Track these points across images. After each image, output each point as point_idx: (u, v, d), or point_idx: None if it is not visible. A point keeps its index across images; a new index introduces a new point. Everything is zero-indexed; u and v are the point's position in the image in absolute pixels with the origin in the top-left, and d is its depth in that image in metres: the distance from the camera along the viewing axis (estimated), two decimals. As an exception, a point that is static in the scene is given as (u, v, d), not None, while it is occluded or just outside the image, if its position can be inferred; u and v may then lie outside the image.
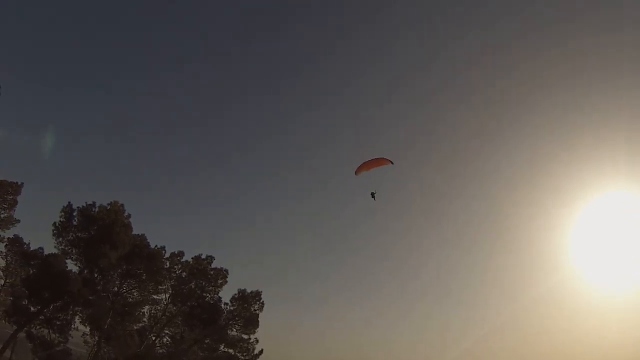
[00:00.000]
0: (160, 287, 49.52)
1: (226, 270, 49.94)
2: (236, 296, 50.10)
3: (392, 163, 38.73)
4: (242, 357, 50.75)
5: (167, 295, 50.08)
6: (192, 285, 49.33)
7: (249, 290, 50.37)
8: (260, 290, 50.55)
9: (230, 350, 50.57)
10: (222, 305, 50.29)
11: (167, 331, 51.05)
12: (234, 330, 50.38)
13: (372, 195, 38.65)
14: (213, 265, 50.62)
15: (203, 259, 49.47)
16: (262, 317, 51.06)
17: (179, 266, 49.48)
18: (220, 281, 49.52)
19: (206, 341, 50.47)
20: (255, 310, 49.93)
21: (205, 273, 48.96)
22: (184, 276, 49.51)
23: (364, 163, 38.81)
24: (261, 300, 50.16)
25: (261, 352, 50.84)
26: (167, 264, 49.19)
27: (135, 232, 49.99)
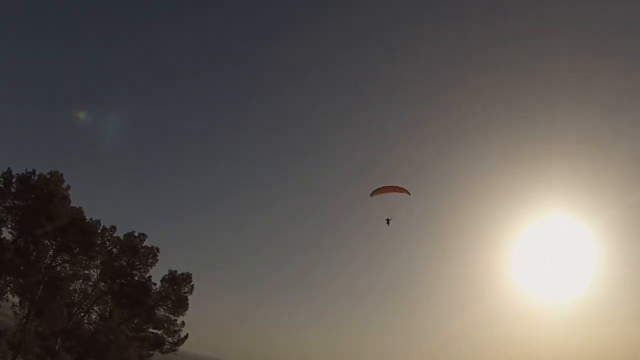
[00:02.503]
0: (92, 262, 49.32)
1: (157, 249, 51.40)
2: (167, 277, 51.40)
3: (409, 194, 42.93)
4: (169, 339, 51.02)
5: (98, 271, 50.00)
6: (123, 262, 49.52)
7: (179, 272, 50.61)
8: (190, 272, 50.88)
9: (158, 332, 50.92)
10: (152, 285, 50.05)
11: (96, 308, 51.68)
12: (163, 311, 50.40)
13: (387, 221, 42.38)
14: (145, 244, 50.19)
15: (135, 236, 50.54)
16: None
17: (111, 241, 49.42)
18: (150, 260, 50.86)
19: (135, 321, 50.55)
20: (185, 292, 51.21)
21: (136, 251, 50.22)
22: (114, 252, 49.47)
23: (382, 187, 42.68)
24: (191, 283, 51.67)
25: (186, 336, 51.34)
26: (100, 238, 49.07)
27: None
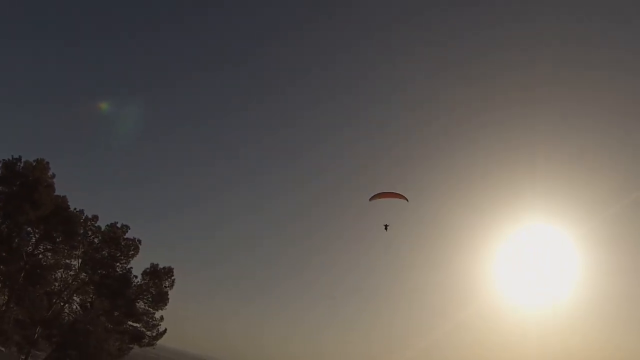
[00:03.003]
0: (74, 252, 49.23)
1: (139, 241, 51.71)
2: (148, 270, 51.14)
3: (407, 200, 43.91)
4: (148, 333, 50.77)
5: (80, 261, 49.92)
6: (105, 253, 49.31)
7: (161, 266, 50.35)
8: (172, 266, 50.58)
9: (137, 325, 50.69)
10: (133, 278, 49.84)
11: (76, 298, 51.23)
12: (142, 304, 50.17)
13: (385, 227, 43.53)
14: (127, 236, 50.07)
15: (118, 227, 50.23)
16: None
17: (93, 232, 49.31)
18: (132, 252, 50.81)
19: (115, 313, 50.35)
20: (166, 287, 51.00)
21: (118, 242, 49.81)
22: (96, 242, 49.31)
23: (381, 192, 43.72)
24: (172, 277, 51.55)
25: (165, 330, 51.05)
26: (82, 228, 48.99)
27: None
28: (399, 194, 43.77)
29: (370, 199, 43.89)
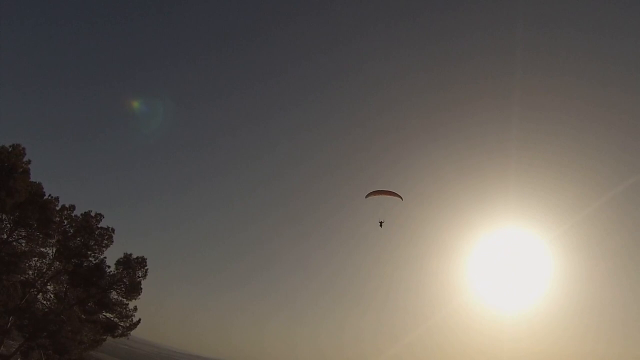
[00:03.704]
0: (49, 240, 49.09)
1: (113, 230, 51.53)
2: (121, 260, 50.99)
3: (401, 199, 45.45)
4: (121, 324, 50.94)
5: (54, 250, 49.81)
6: (78, 241, 49.22)
7: (134, 256, 50.33)
8: (145, 257, 50.73)
9: (110, 315, 50.72)
10: (106, 268, 49.85)
11: (50, 287, 51.09)
12: (116, 294, 50.27)
13: (380, 224, 45.23)
14: (101, 225, 50.14)
15: (92, 216, 50.17)
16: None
17: (68, 220, 49.25)
18: (105, 241, 50.76)
19: (88, 303, 50.38)
20: (139, 277, 51.03)
21: (92, 231, 49.70)
22: (71, 231, 49.29)
23: (377, 190, 45.50)
24: (146, 268, 51.60)
25: (139, 321, 51.21)
26: (58, 216, 48.83)
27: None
28: (394, 193, 45.39)
29: (367, 196, 45.75)
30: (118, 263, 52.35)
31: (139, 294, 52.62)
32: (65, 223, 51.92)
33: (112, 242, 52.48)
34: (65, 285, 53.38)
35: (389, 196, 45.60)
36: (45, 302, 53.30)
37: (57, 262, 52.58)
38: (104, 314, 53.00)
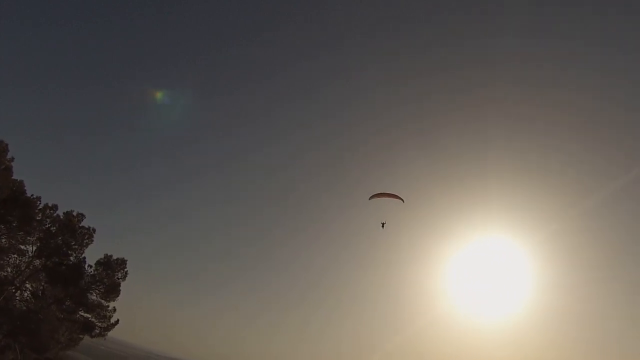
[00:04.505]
0: (29, 237, 49.33)
1: (94, 230, 51.99)
2: (101, 260, 51.64)
3: (403, 201, 47.29)
4: (99, 324, 51.10)
5: (34, 248, 50.11)
6: (59, 240, 49.43)
7: (115, 257, 50.65)
8: (125, 258, 51.04)
9: (88, 315, 50.91)
10: (86, 267, 50.15)
11: (28, 285, 51.13)
12: (95, 295, 50.51)
13: (382, 225, 46.90)
14: (82, 224, 50.41)
15: (74, 216, 50.44)
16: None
17: (50, 219, 49.47)
18: (86, 241, 51.16)
19: (66, 302, 50.51)
20: (119, 278, 51.31)
21: (73, 230, 49.88)
22: (53, 230, 49.52)
23: (380, 193, 47.04)
24: (125, 269, 52.01)
25: (117, 322, 51.39)
26: (40, 215, 49.05)
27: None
28: (396, 195, 47.02)
29: (370, 198, 47.43)
30: (98, 263, 52.78)
31: (118, 295, 53.11)
32: (47, 222, 52.13)
33: (93, 241, 52.95)
34: (43, 283, 53.46)
35: (391, 198, 47.12)
36: (22, 301, 53.33)
37: (37, 260, 52.70)
38: (82, 313, 53.17)
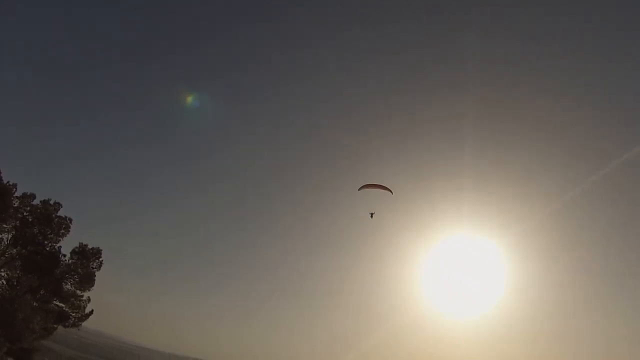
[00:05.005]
0: (4, 225, 49.45)
1: (70, 220, 52.31)
2: (76, 250, 51.67)
3: (391, 192, 49.00)
4: (73, 314, 51.39)
5: (9, 236, 50.15)
6: (36, 230, 49.60)
7: (90, 246, 50.94)
8: (100, 248, 51.37)
9: (62, 305, 51.18)
10: (61, 257, 50.33)
11: (3, 273, 51.25)
12: (69, 284, 50.78)
13: (371, 215, 48.37)
14: (59, 214, 50.64)
15: (51, 205, 50.45)
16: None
17: (28, 208, 49.59)
18: (62, 231, 51.59)
19: (41, 291, 50.69)
20: (94, 268, 51.76)
21: (50, 219, 50.22)
22: (30, 219, 49.70)
23: (369, 184, 48.76)
24: (100, 259, 52.43)
25: (91, 312, 51.73)
26: (17, 203, 49.24)
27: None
28: (384, 187, 48.59)
29: (360, 189, 48.71)
30: (73, 252, 52.89)
31: (93, 285, 53.39)
32: (25, 210, 52.17)
33: (69, 231, 53.11)
34: (18, 272, 53.45)
35: (380, 189, 48.63)
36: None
37: (13, 249, 52.69)
38: (56, 303, 53.33)
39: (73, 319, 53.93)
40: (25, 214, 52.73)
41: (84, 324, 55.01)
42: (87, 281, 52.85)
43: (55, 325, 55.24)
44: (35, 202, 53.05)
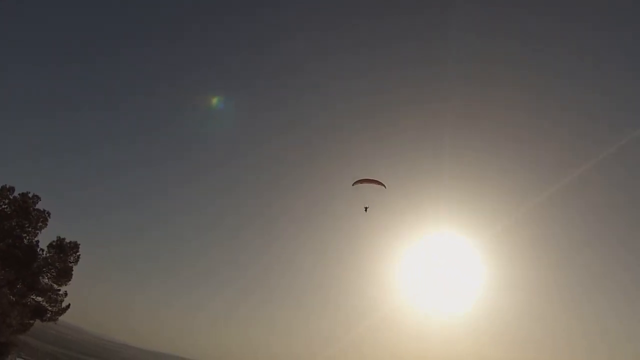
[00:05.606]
0: (-18, 218, 49.27)
1: (48, 213, 52.46)
2: (54, 243, 51.55)
3: (384, 187, 49.39)
4: (50, 308, 51.29)
5: (-13, 229, 49.81)
6: (14, 222, 49.43)
7: (67, 240, 50.82)
8: (78, 242, 51.35)
9: (39, 299, 51.04)
10: (39, 250, 50.13)
11: (-21, 267, 50.78)
12: (46, 278, 50.65)
13: (365, 209, 49.12)
14: (37, 207, 50.45)
15: (29, 197, 50.30)
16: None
17: (6, 201, 49.40)
18: (40, 224, 51.32)
19: (18, 285, 50.48)
20: (71, 262, 51.56)
21: (27, 212, 49.92)
22: (8, 212, 49.52)
23: (363, 179, 49.24)
24: (78, 253, 52.52)
25: (68, 306, 51.69)
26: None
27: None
28: (378, 181, 49.13)
29: (354, 184, 49.52)
30: (50, 246, 52.71)
31: (70, 279, 53.31)
32: (3, 203, 51.80)
33: (47, 225, 52.94)
34: (-5, 265, 53.20)
35: (374, 184, 49.10)
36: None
37: (-10, 242, 52.41)
38: (33, 297, 53.09)
39: (50, 313, 53.72)
40: (3, 206, 52.26)
41: (64, 320, 54.88)
42: (65, 275, 52.74)
43: (32, 320, 55.03)
44: (15, 195, 52.48)
